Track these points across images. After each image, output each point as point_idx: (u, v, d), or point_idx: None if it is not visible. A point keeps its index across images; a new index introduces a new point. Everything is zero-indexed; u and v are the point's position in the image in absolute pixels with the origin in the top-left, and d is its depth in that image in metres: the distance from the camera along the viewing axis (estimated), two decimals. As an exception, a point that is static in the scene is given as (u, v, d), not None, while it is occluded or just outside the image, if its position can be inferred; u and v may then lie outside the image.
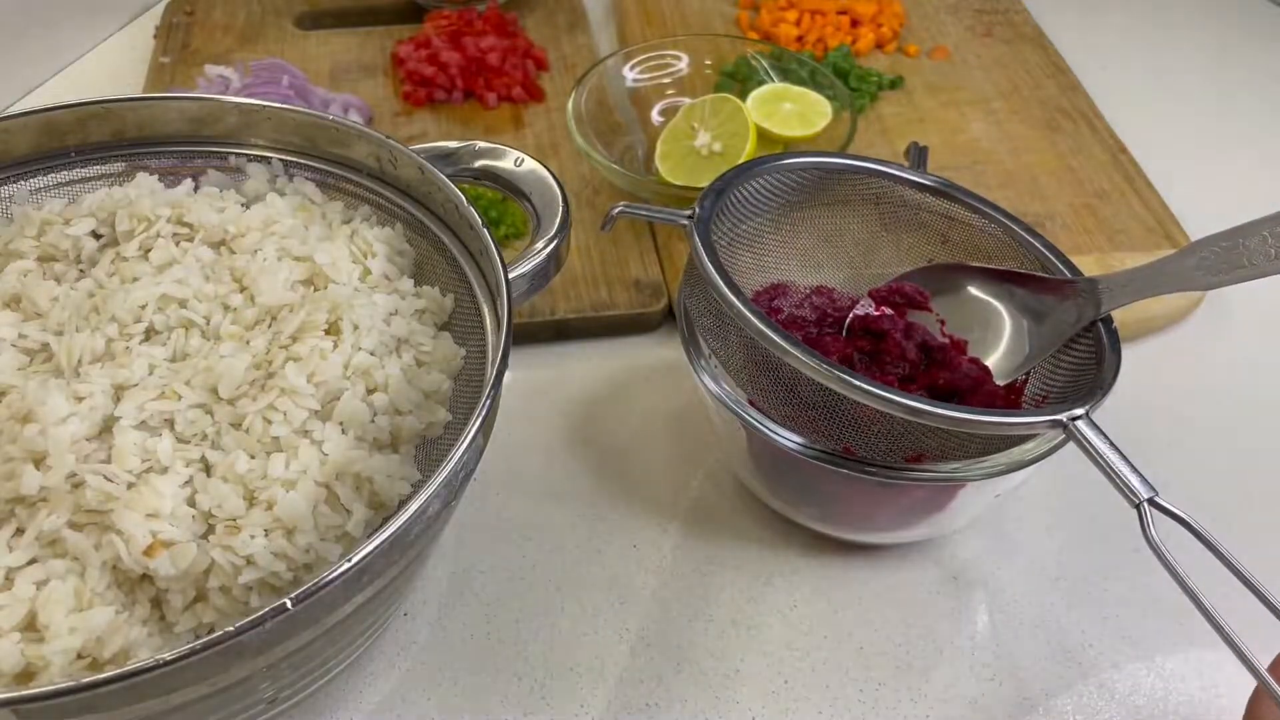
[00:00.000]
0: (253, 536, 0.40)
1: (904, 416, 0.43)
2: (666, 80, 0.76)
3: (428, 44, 0.79)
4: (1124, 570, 0.54)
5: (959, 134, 0.65)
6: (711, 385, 0.49)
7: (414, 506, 0.37)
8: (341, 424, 0.44)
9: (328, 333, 0.46)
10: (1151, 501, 0.40)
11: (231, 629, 0.33)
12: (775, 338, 0.44)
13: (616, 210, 0.52)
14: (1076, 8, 0.87)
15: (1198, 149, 0.76)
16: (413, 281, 0.51)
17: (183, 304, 0.46)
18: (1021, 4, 0.82)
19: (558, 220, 0.50)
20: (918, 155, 0.57)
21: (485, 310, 0.49)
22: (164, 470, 0.41)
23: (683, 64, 0.76)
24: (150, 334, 0.45)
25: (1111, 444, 0.42)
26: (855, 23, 0.72)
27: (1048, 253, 0.52)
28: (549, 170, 0.53)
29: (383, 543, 0.36)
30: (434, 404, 0.47)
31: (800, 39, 0.82)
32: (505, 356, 0.42)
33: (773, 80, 0.73)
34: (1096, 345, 0.49)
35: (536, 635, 0.51)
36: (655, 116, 0.74)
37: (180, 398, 0.43)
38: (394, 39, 0.83)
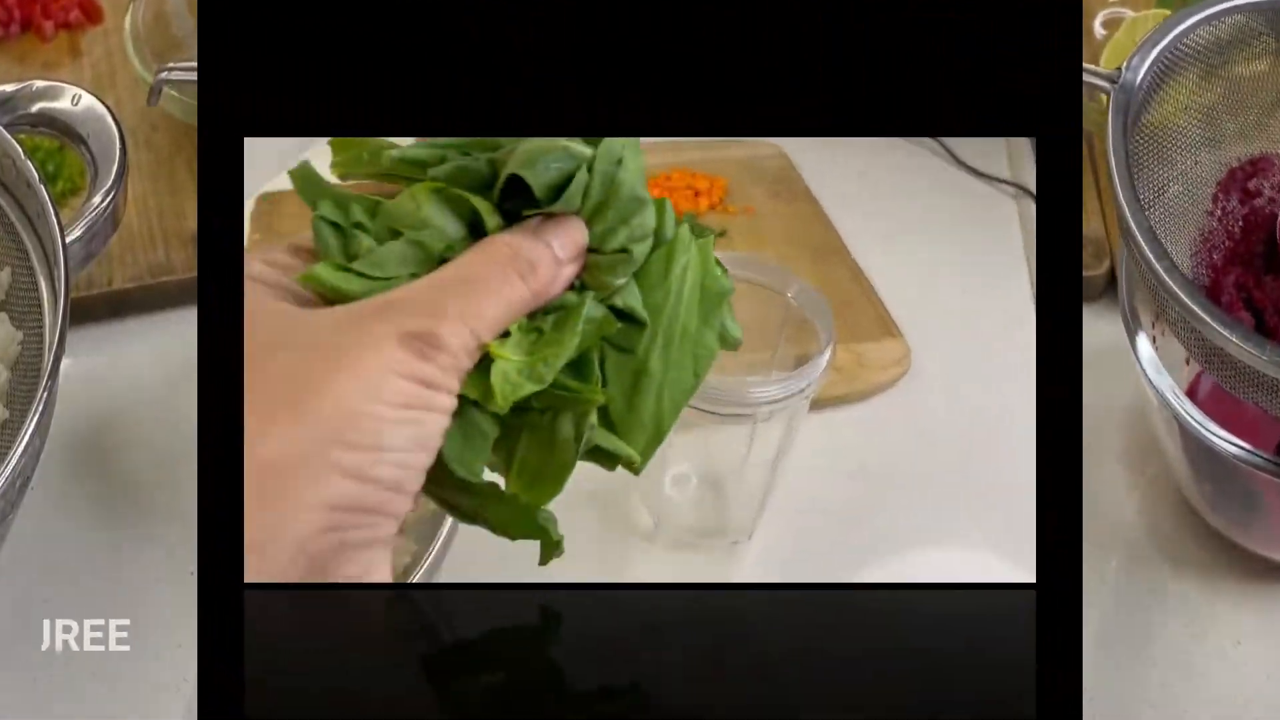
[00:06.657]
0: None
1: None
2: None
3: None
4: None
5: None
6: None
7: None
8: None
9: None
10: None
11: None
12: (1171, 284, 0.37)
13: None
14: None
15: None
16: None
17: None
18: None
19: (114, 167, 0.43)
20: None
21: (43, 284, 0.42)
22: None
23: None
24: None
25: None
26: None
27: None
28: (107, 106, 0.45)
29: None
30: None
31: (663, 206, 0.95)
32: (63, 339, 0.36)
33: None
34: None
35: None
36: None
37: None
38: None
